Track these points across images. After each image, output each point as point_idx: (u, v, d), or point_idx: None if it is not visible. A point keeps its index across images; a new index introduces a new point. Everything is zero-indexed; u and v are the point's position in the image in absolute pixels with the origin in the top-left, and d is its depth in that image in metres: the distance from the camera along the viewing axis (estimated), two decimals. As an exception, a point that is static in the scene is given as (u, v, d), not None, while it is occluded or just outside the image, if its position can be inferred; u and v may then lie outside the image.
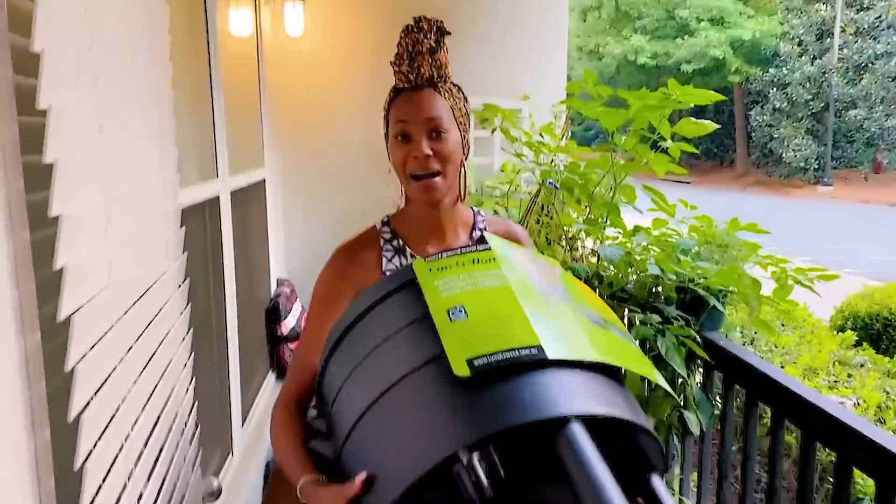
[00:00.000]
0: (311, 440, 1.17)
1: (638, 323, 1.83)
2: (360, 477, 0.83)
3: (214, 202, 2.23)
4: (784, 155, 22.98)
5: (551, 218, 3.01)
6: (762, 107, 23.79)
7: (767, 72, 23.22)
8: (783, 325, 3.41)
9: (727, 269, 1.80)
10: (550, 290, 0.91)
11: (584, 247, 2.68)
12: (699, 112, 2.29)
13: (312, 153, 3.57)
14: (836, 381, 2.80)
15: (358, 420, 0.85)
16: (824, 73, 22.13)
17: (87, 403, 0.91)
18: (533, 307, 0.83)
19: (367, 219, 1.37)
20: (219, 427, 2.27)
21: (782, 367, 2.91)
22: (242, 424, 2.51)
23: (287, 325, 3.11)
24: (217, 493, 1.65)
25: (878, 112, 21.67)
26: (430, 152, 1.19)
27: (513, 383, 0.74)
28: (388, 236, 1.28)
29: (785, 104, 22.97)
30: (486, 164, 3.49)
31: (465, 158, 1.28)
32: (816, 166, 22.63)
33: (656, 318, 1.84)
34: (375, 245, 1.27)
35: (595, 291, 1.43)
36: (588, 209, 2.63)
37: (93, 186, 1.00)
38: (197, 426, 1.63)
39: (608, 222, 2.48)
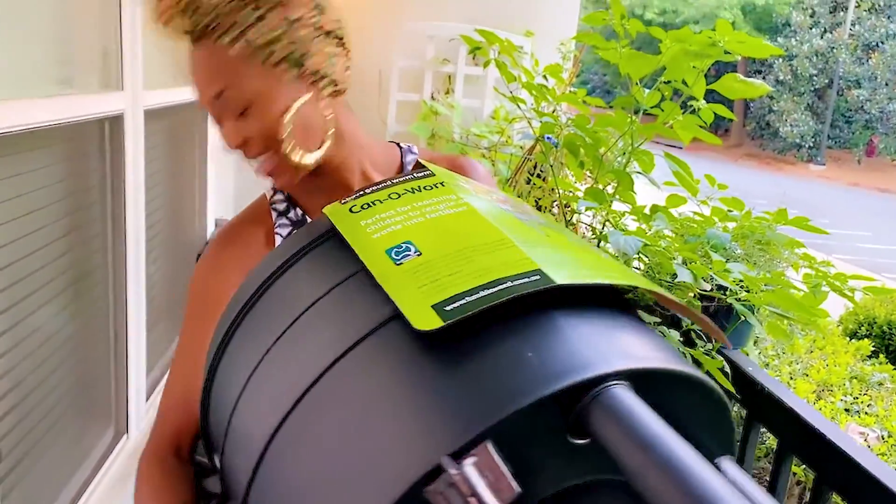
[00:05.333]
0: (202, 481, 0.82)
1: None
2: None
3: (117, 121, 1.72)
4: (781, 129, 22.52)
5: (545, 180, 2.55)
6: (764, 77, 23.17)
7: (776, 41, 22.51)
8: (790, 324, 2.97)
9: (774, 279, 1.36)
10: (524, 216, 0.62)
11: (580, 221, 2.23)
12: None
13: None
14: (853, 403, 2.41)
15: (271, 439, 0.50)
16: (833, 48, 21.48)
17: None
18: (512, 230, 0.56)
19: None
20: (102, 398, 1.83)
21: (791, 378, 2.52)
22: (148, 398, 2.06)
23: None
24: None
25: (882, 94, 21.17)
26: (242, 139, 0.79)
27: (508, 336, 0.46)
28: (282, 207, 0.92)
29: (788, 77, 22.38)
30: (474, 108, 2.98)
31: (326, 90, 0.81)
32: (811, 144, 22.21)
33: (676, 334, 1.41)
34: (265, 220, 0.91)
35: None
36: (594, 176, 2.17)
37: None
38: None
39: (616, 195, 2.03)
